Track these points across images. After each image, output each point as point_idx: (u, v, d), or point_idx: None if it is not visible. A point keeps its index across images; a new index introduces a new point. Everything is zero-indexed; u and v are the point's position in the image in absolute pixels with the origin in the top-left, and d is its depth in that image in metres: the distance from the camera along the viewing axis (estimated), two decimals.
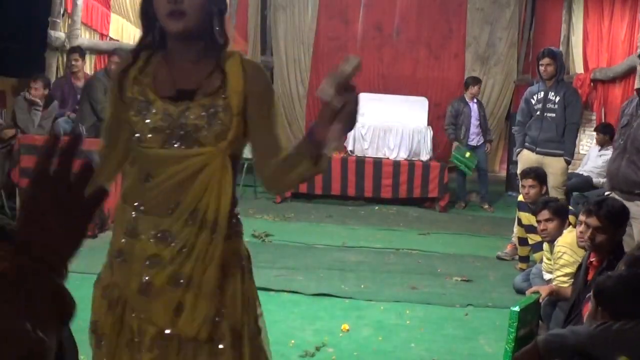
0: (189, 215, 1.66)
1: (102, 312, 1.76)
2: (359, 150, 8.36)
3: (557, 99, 5.89)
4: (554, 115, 5.90)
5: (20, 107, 6.23)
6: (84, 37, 7.07)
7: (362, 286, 4.85)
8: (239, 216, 1.80)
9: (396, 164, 8.01)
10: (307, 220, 7.05)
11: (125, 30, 7.87)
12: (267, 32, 10.82)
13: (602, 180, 6.82)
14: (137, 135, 1.69)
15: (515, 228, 5.58)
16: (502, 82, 10.75)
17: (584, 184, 6.89)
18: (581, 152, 8.13)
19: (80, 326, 3.72)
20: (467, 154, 7.97)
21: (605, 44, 7.90)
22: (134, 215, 1.71)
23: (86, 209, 0.86)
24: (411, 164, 8.08)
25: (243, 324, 1.75)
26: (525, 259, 5.42)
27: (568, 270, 3.90)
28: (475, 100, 8.43)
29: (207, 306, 1.68)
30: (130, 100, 1.72)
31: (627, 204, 3.91)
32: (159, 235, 1.68)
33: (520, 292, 4.63)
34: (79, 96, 6.61)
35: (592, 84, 8.04)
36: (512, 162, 8.75)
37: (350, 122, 1.47)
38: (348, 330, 3.93)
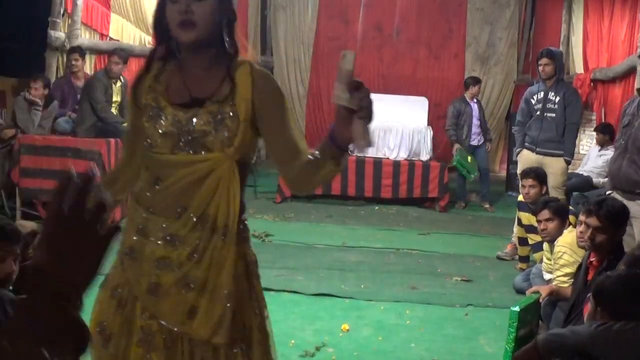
0: (197, 219, 1.71)
1: (110, 312, 1.78)
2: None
3: (557, 99, 5.89)
4: (554, 115, 5.90)
5: (20, 107, 6.23)
6: (84, 37, 7.07)
7: (362, 286, 4.85)
8: (246, 222, 1.85)
9: (396, 164, 8.01)
10: (307, 220, 7.05)
11: (125, 30, 7.87)
12: (267, 32, 10.83)
13: (602, 180, 6.82)
14: (148, 140, 1.76)
15: (515, 228, 5.58)
16: (502, 82, 10.75)
17: (584, 184, 6.89)
18: (581, 152, 8.13)
19: None
20: (469, 159, 7.96)
21: (605, 44, 7.90)
22: (144, 216, 1.76)
23: (100, 244, 0.92)
24: (411, 164, 8.08)
25: (252, 328, 1.80)
26: (525, 259, 5.42)
27: (568, 270, 3.90)
28: (475, 100, 8.43)
29: (223, 310, 1.71)
30: (144, 106, 1.78)
31: (629, 203, 3.92)
32: (167, 238, 1.72)
33: (520, 292, 4.62)
34: (79, 96, 6.61)
35: (592, 84, 8.04)
36: (512, 162, 8.76)
37: (369, 117, 1.52)
38: (348, 330, 3.93)
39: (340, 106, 1.53)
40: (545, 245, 4.47)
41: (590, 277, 3.30)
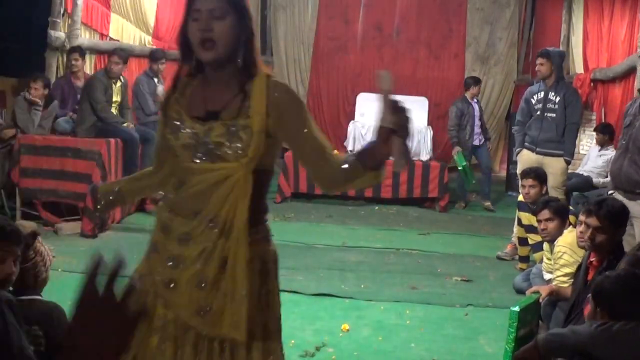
0: (210, 221, 1.82)
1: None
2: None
3: (557, 99, 5.89)
4: (554, 115, 5.90)
5: (20, 107, 6.22)
6: (84, 37, 7.06)
7: (362, 286, 4.85)
8: (267, 222, 1.97)
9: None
10: (307, 220, 7.05)
11: (125, 30, 7.86)
12: (267, 32, 10.83)
13: (602, 180, 6.82)
14: (172, 150, 1.92)
15: (515, 228, 5.58)
16: (502, 82, 10.75)
17: (584, 184, 6.89)
18: (581, 152, 8.13)
19: None
20: (463, 162, 7.95)
21: (605, 44, 7.90)
22: (167, 215, 1.92)
23: (130, 325, 0.99)
24: (411, 163, 8.08)
25: (258, 324, 1.88)
26: (525, 259, 5.42)
27: (568, 270, 3.90)
28: (475, 100, 8.43)
29: (240, 310, 1.81)
30: (169, 119, 1.93)
31: (629, 203, 3.92)
32: (183, 236, 1.86)
33: (520, 292, 4.62)
34: (79, 96, 6.60)
35: (592, 84, 8.03)
36: (512, 162, 8.75)
37: (407, 135, 1.66)
38: (348, 330, 3.93)
39: (382, 126, 1.65)
40: (546, 245, 4.47)
41: (590, 277, 3.30)
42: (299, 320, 4.08)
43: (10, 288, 2.32)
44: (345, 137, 8.84)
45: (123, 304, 0.97)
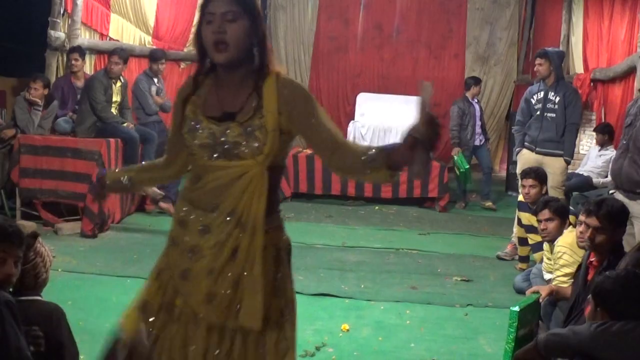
0: (227, 214, 1.91)
1: (152, 293, 2.04)
2: None
3: (557, 99, 5.89)
4: (553, 115, 5.90)
5: (20, 107, 6.22)
6: (84, 37, 7.06)
7: (362, 286, 4.85)
8: (280, 212, 2.07)
9: None
10: (307, 220, 7.05)
11: (125, 30, 7.86)
12: (267, 32, 10.83)
13: (602, 180, 6.82)
14: (189, 150, 1.99)
15: (515, 228, 5.58)
16: (502, 82, 10.75)
17: (584, 184, 6.89)
18: (581, 152, 8.13)
19: (80, 327, 3.72)
20: (466, 166, 7.96)
21: (605, 43, 7.89)
22: (185, 209, 2.00)
23: None
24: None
25: (281, 310, 1.99)
26: (525, 259, 5.42)
27: (568, 270, 3.90)
28: (476, 100, 8.44)
29: (256, 299, 1.90)
30: (185, 118, 2.00)
31: (630, 203, 3.93)
32: (201, 228, 1.94)
33: (520, 292, 4.63)
34: (79, 96, 6.60)
35: (592, 84, 8.03)
36: (512, 162, 8.75)
37: (432, 150, 1.76)
38: (348, 330, 3.93)
39: (410, 134, 1.71)
40: (546, 245, 4.47)
41: (590, 277, 3.30)
42: (298, 320, 4.06)
43: (10, 289, 2.32)
44: (345, 137, 8.82)
45: None
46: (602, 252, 3.29)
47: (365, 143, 8.32)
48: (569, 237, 4.05)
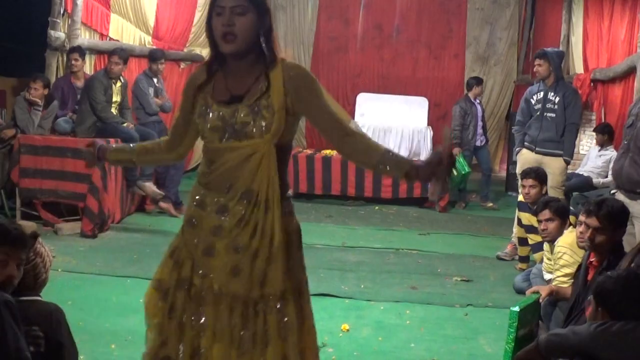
0: (242, 194, 2.06)
1: (167, 271, 2.17)
2: None
3: (557, 99, 5.89)
4: (553, 115, 5.90)
5: (20, 107, 6.22)
6: (84, 37, 7.06)
7: (362, 286, 4.85)
8: (290, 199, 2.21)
9: None
10: (307, 220, 7.04)
11: (125, 30, 7.85)
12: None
13: (602, 180, 6.82)
14: (201, 133, 2.15)
15: (515, 228, 5.58)
16: (502, 82, 10.75)
17: (584, 184, 6.89)
18: (581, 152, 8.13)
19: (80, 327, 3.72)
20: (467, 169, 7.95)
21: (605, 43, 7.89)
22: (202, 192, 2.14)
23: None
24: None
25: (286, 289, 2.11)
26: (525, 259, 5.42)
27: (568, 270, 3.90)
28: (478, 101, 8.44)
29: (279, 268, 2.07)
30: (196, 104, 2.14)
31: (631, 202, 3.93)
32: (219, 209, 2.09)
33: (520, 292, 4.62)
34: (78, 96, 6.60)
35: (592, 84, 8.03)
36: (512, 162, 8.75)
37: (448, 177, 1.97)
38: (348, 330, 3.93)
39: (434, 159, 1.94)
40: (546, 246, 4.47)
41: (590, 277, 3.30)
42: None
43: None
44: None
45: None
46: (602, 253, 3.29)
47: None
48: (569, 238, 4.04)
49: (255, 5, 2.05)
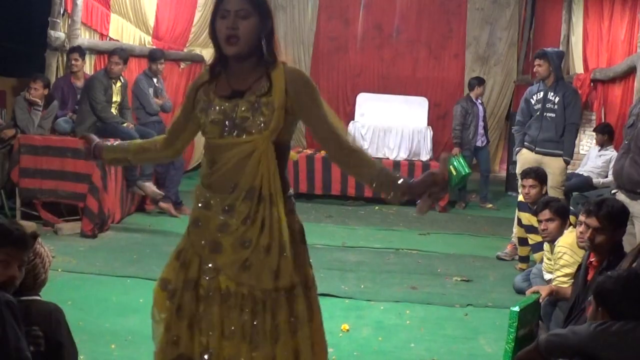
0: (246, 192, 2.10)
1: (174, 272, 2.21)
2: None
3: (557, 99, 5.89)
4: (553, 115, 5.90)
5: (20, 107, 6.22)
6: (84, 37, 7.06)
7: (362, 286, 4.85)
8: (291, 196, 2.25)
9: (396, 164, 8.01)
10: (307, 220, 7.02)
11: (125, 30, 7.85)
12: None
13: (602, 180, 6.82)
14: (202, 128, 2.19)
15: (515, 228, 5.58)
16: (502, 82, 10.75)
17: (584, 184, 6.89)
18: (581, 152, 8.13)
19: (80, 327, 3.71)
20: (467, 170, 7.95)
21: (605, 44, 7.89)
22: (207, 194, 2.18)
23: None
24: (411, 164, 8.08)
25: (294, 284, 2.17)
26: (525, 259, 5.42)
27: (568, 270, 3.90)
28: (480, 101, 8.44)
29: (289, 260, 2.12)
30: (198, 101, 2.20)
31: (631, 202, 3.93)
32: (225, 208, 2.13)
33: (520, 292, 4.62)
34: (78, 96, 6.60)
35: (592, 84, 8.03)
36: (512, 162, 8.75)
37: (437, 199, 2.02)
38: (348, 330, 3.93)
39: (428, 179, 1.99)
40: (546, 246, 4.47)
41: (590, 277, 3.30)
42: None
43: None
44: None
45: None
46: (601, 253, 3.29)
47: (366, 143, 8.33)
48: (569, 238, 4.04)
49: (258, 9, 2.11)
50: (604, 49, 7.91)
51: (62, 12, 6.79)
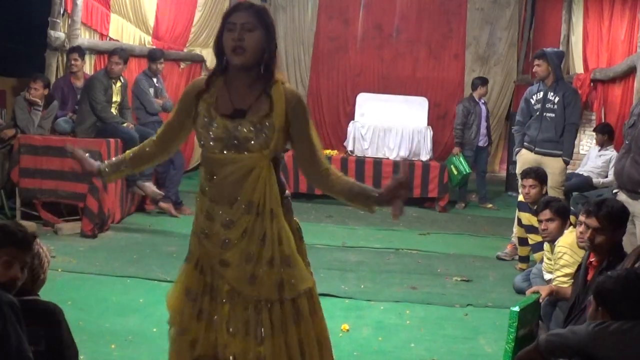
0: (245, 206, 2.21)
1: (194, 280, 2.32)
2: (359, 150, 8.36)
3: (557, 99, 5.89)
4: (553, 115, 5.90)
5: (20, 107, 6.22)
6: (84, 37, 7.06)
7: (362, 286, 4.85)
8: (289, 197, 2.36)
9: (396, 164, 8.00)
10: (307, 220, 7.04)
11: (125, 30, 7.85)
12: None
13: (602, 180, 6.82)
14: (202, 142, 2.27)
15: (515, 228, 5.58)
16: (502, 82, 10.75)
17: (584, 184, 6.89)
18: (581, 152, 8.13)
19: (80, 327, 3.71)
20: (468, 170, 7.94)
21: (605, 44, 7.89)
22: (208, 204, 2.27)
23: None
24: (411, 164, 8.08)
25: (299, 292, 2.28)
26: (525, 259, 5.42)
27: (568, 270, 3.90)
28: (483, 101, 8.43)
29: (298, 268, 2.26)
30: (198, 115, 2.27)
31: (632, 202, 3.93)
32: (226, 221, 2.23)
33: (520, 292, 4.62)
34: (78, 96, 6.60)
35: (592, 84, 8.03)
36: (512, 162, 8.75)
37: (403, 200, 2.19)
38: (348, 330, 3.93)
39: (391, 185, 2.19)
40: (546, 246, 4.47)
41: (590, 277, 3.30)
42: None
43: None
44: (345, 137, 8.84)
45: None
46: (601, 253, 3.29)
47: (366, 143, 8.33)
48: (569, 238, 4.04)
49: (263, 24, 2.23)
50: (604, 49, 7.91)
51: (62, 12, 6.79)
